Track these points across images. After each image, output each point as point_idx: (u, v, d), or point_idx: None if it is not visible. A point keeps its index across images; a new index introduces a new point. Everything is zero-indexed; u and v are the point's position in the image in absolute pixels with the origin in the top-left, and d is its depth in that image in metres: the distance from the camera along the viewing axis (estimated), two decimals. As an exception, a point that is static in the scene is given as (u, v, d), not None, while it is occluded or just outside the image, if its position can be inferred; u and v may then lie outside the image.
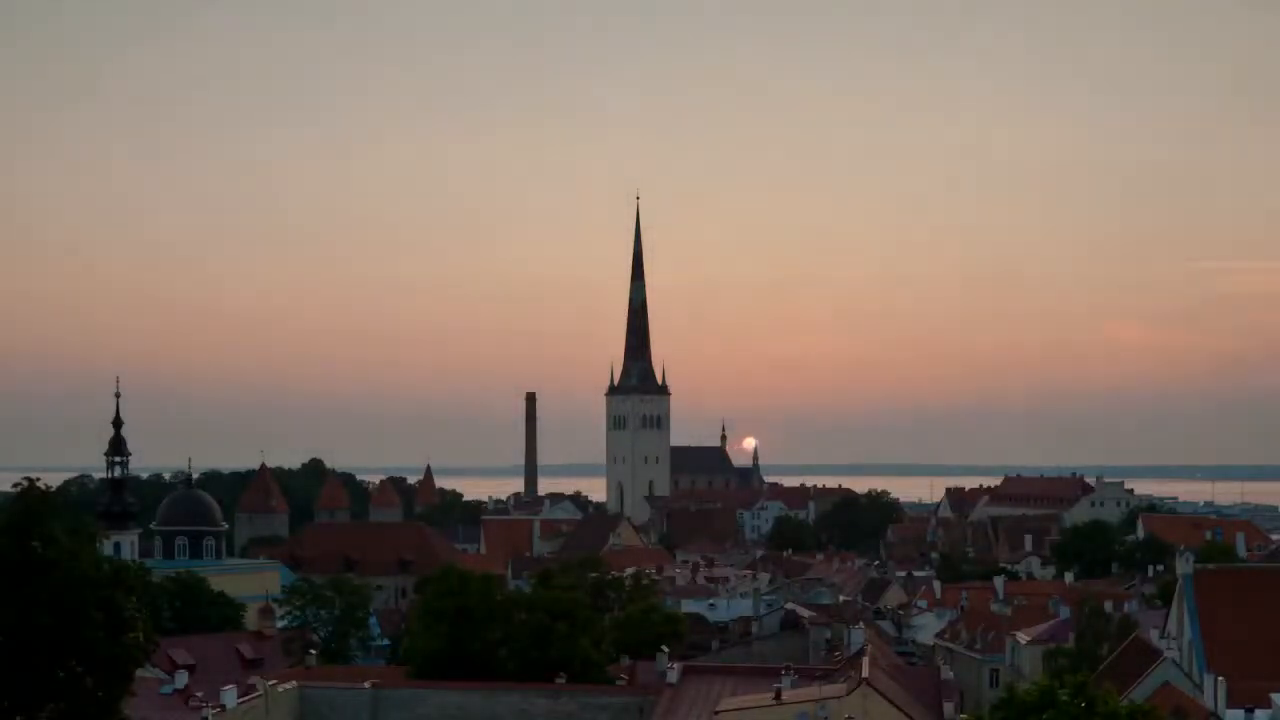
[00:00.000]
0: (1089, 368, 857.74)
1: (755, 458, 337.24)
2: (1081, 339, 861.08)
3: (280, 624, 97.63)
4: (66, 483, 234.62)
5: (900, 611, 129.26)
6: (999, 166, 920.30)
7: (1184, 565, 76.52)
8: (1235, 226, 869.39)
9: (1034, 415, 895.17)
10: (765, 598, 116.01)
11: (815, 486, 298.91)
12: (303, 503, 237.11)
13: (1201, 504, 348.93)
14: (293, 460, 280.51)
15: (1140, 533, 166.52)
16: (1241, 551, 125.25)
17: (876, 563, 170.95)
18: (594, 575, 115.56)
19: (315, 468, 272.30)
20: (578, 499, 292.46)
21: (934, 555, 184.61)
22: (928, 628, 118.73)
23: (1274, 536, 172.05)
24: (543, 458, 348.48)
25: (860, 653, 64.78)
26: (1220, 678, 59.04)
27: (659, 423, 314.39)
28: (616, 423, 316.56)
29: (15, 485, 50.79)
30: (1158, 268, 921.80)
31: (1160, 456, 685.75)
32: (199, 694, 60.29)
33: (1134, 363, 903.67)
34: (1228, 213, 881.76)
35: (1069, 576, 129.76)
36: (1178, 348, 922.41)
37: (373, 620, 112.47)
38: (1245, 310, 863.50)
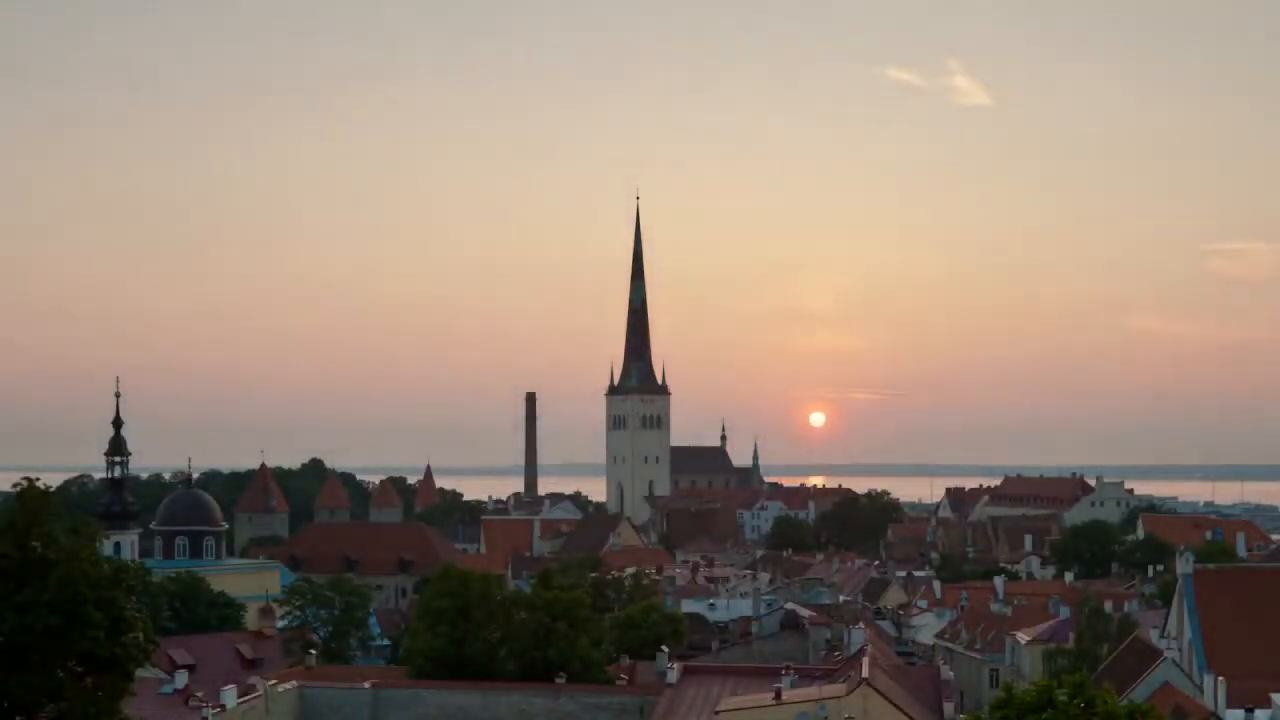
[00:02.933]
0: (1102, 364, 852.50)
1: (755, 457, 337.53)
2: (1094, 336, 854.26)
3: (280, 624, 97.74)
4: (66, 483, 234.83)
5: (900, 611, 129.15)
6: (1004, 163, 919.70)
7: (1184, 565, 76.62)
8: (1245, 208, 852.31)
9: (1037, 414, 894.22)
10: (765, 598, 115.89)
11: (815, 486, 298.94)
12: (303, 503, 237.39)
13: (1201, 504, 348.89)
14: (293, 460, 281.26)
15: (1140, 533, 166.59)
16: (1241, 551, 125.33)
17: (876, 563, 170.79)
18: (594, 575, 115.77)
19: (315, 468, 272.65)
20: (578, 499, 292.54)
21: (934, 555, 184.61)
22: (928, 628, 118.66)
23: (1274, 536, 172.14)
24: (543, 458, 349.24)
25: (860, 653, 64.69)
26: (1220, 678, 59.08)
27: (659, 423, 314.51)
28: (616, 423, 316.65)
29: (15, 485, 50.80)
30: (1169, 253, 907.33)
31: (1163, 456, 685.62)
32: (199, 694, 60.29)
33: (1149, 356, 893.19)
34: (1239, 194, 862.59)
35: (1069, 576, 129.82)
36: (1191, 338, 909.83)
37: (373, 620, 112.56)
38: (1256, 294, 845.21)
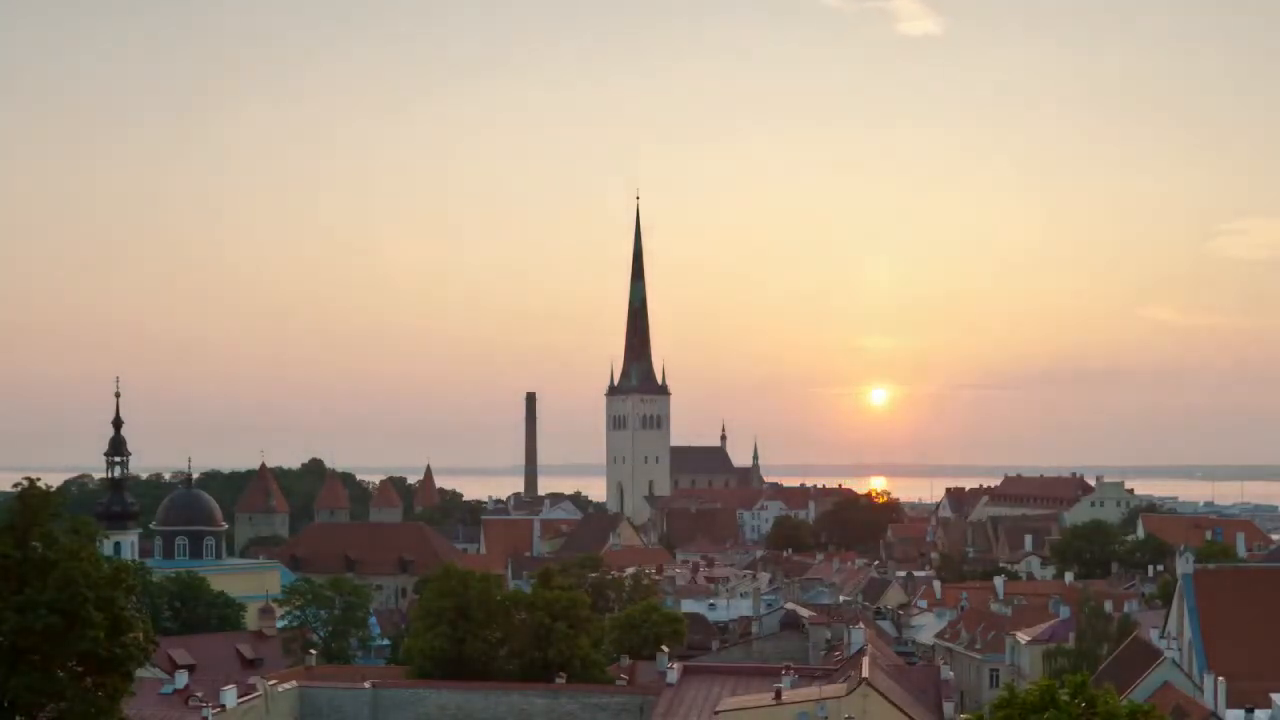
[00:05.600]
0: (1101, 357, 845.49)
1: (755, 457, 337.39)
2: (1099, 332, 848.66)
3: (280, 624, 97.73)
4: (66, 483, 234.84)
5: (900, 611, 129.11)
6: (1007, 161, 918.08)
7: (1184, 565, 76.56)
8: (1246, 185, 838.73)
9: (1041, 413, 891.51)
10: (765, 598, 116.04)
11: (815, 486, 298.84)
12: (303, 503, 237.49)
13: (1201, 504, 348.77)
14: (293, 460, 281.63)
15: (1140, 533, 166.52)
16: (1241, 551, 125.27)
17: (876, 563, 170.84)
18: (594, 575, 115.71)
19: (315, 468, 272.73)
20: (578, 499, 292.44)
21: (934, 555, 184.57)
22: (928, 628, 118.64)
23: (1274, 536, 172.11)
24: (543, 458, 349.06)
25: (860, 653, 64.74)
26: (1220, 678, 59.04)
27: (659, 423, 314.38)
28: (616, 423, 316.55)
29: (15, 485, 50.81)
30: (1171, 233, 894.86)
31: (1163, 457, 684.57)
32: (199, 694, 60.29)
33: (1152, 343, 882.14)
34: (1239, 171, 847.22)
35: (1069, 576, 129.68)
36: (1195, 326, 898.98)
37: (373, 620, 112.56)
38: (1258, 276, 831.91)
